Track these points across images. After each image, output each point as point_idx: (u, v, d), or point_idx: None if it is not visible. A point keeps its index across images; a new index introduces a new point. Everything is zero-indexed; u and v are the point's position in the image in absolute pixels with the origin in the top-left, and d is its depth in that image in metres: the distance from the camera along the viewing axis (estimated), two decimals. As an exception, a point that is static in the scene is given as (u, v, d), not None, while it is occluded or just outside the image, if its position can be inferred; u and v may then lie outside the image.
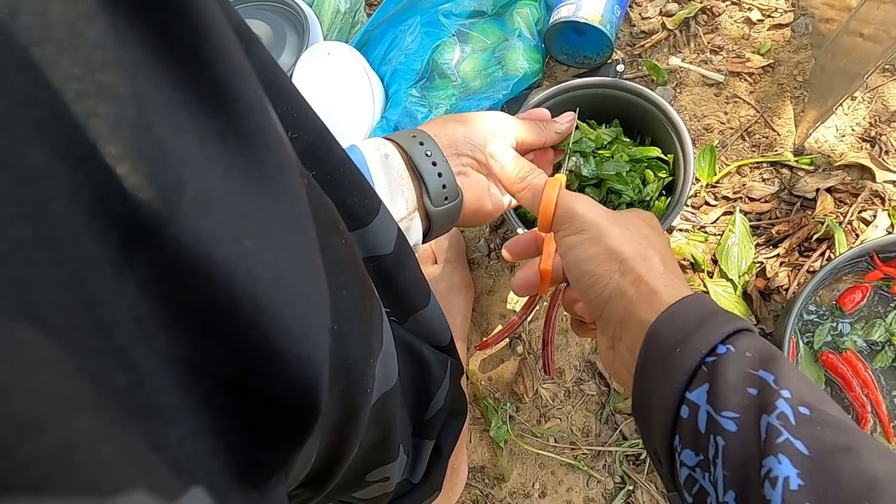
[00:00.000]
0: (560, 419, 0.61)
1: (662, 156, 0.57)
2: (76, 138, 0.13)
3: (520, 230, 0.55)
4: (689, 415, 0.25)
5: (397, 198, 0.42)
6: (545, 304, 0.63)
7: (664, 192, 0.58)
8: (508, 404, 0.62)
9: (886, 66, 0.63)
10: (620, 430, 0.59)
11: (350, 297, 0.25)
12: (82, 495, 0.11)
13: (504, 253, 0.40)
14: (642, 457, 0.58)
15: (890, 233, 0.57)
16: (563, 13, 0.66)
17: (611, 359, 0.32)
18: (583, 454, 0.59)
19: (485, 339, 0.63)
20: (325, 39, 0.77)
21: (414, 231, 0.44)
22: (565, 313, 0.64)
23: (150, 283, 0.14)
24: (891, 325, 0.52)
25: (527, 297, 0.63)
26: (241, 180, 0.16)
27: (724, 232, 0.61)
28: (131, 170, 0.13)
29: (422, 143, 0.43)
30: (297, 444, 0.19)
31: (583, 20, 0.65)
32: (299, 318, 0.17)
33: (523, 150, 0.47)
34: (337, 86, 0.70)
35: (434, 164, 0.43)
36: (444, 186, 0.44)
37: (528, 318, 0.64)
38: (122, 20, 0.14)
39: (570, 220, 0.33)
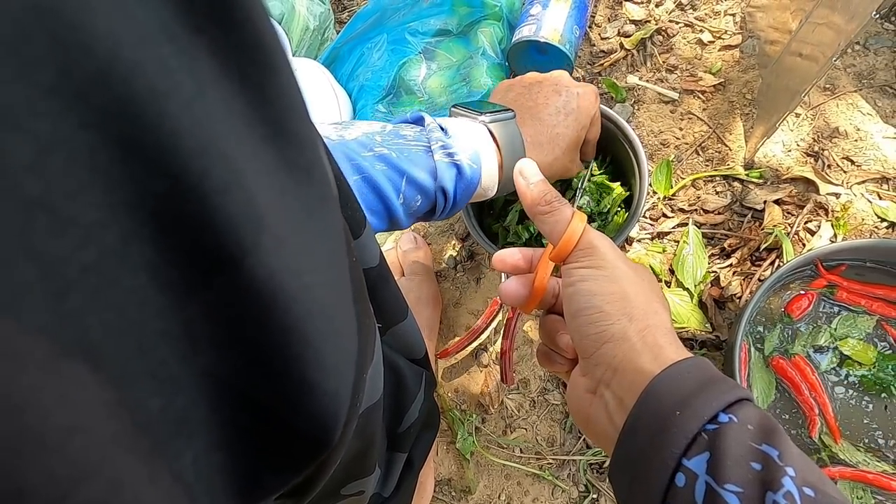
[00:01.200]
0: (525, 429, 0.62)
1: (622, 190, 0.59)
2: (187, 168, 0.13)
3: (487, 247, 0.56)
4: (686, 484, 0.24)
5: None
6: (507, 314, 0.64)
7: (623, 205, 0.60)
8: (474, 416, 0.63)
9: (827, 86, 0.67)
10: (584, 439, 0.60)
11: (356, 315, 0.25)
12: None
13: (494, 261, 0.39)
14: (605, 465, 0.59)
15: (833, 242, 0.59)
16: (524, 33, 0.69)
17: (587, 402, 0.31)
18: (548, 464, 0.60)
19: (446, 347, 0.63)
20: (294, 56, 0.78)
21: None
22: (526, 325, 0.65)
23: (218, 305, 0.15)
24: (835, 330, 0.54)
25: (488, 308, 0.64)
26: (295, 214, 0.17)
27: (679, 242, 0.63)
28: (224, 200, 0.14)
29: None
30: (299, 471, 0.19)
31: (543, 39, 0.67)
32: (333, 353, 0.18)
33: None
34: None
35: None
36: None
37: (492, 327, 0.65)
38: (203, 56, 0.14)
39: (589, 254, 0.32)
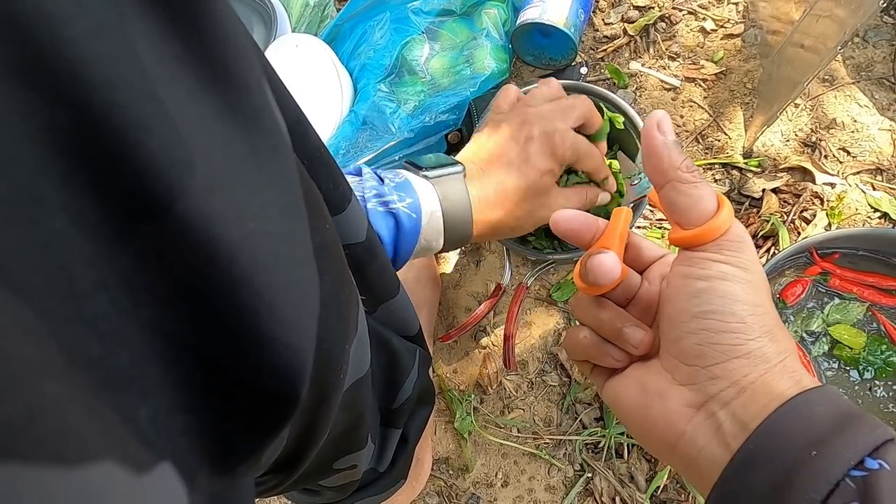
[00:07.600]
0: (523, 410, 0.63)
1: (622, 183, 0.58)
2: (92, 100, 0.12)
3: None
4: None
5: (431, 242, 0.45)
6: (508, 299, 0.65)
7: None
8: (472, 396, 0.63)
9: (826, 77, 0.68)
10: (580, 420, 0.61)
11: (331, 283, 0.25)
12: (48, 464, 0.11)
13: (555, 217, 0.32)
14: (601, 445, 0.60)
15: (828, 230, 0.61)
16: (529, 15, 0.68)
17: (684, 418, 0.26)
18: (544, 443, 0.61)
19: (448, 331, 0.64)
20: (293, 31, 0.76)
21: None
22: (528, 308, 0.66)
23: (152, 254, 0.14)
24: (827, 316, 0.55)
25: (491, 292, 0.64)
26: (241, 161, 0.16)
27: (678, 229, 0.64)
28: (146, 139, 0.13)
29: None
30: (271, 432, 0.19)
31: (548, 22, 0.67)
32: (292, 306, 0.17)
33: None
34: (305, 78, 0.70)
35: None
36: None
37: (492, 312, 0.65)
38: None
39: (738, 249, 0.28)
